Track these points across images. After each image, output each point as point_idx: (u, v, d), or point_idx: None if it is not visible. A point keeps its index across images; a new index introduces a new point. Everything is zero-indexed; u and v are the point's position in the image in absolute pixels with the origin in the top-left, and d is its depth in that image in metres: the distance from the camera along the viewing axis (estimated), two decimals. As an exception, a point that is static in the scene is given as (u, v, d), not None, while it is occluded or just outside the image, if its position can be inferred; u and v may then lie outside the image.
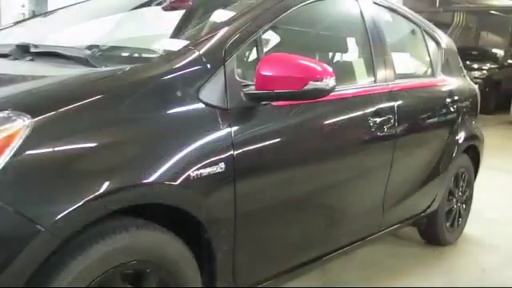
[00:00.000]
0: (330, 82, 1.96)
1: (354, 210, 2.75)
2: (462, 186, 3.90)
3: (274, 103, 2.09)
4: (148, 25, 2.92)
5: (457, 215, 3.89)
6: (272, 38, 2.34)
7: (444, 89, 3.52)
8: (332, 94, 2.38)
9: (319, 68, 1.96)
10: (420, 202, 3.38)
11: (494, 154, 7.80)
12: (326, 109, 2.40)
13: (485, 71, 12.74)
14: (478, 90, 4.07)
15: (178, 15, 2.82)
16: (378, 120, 2.68)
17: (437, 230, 3.71)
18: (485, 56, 13.52)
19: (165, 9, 2.88)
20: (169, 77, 1.79)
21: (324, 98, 2.24)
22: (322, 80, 1.94)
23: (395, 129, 2.82)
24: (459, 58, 4.03)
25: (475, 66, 12.82)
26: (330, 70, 1.99)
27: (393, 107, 2.82)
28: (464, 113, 3.73)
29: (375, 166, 2.78)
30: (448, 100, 3.46)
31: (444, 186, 3.55)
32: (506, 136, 9.81)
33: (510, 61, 13.53)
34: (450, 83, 3.63)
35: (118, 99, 1.64)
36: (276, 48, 2.36)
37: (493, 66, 13.01)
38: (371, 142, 2.68)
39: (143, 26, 2.91)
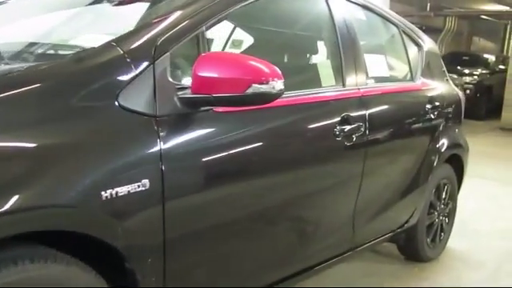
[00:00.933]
0: (276, 85, 1.67)
1: (318, 227, 2.46)
2: (445, 199, 3.61)
3: (219, 109, 1.80)
4: (97, 21, 2.62)
5: (439, 229, 3.60)
6: (221, 35, 2.05)
7: (424, 94, 3.23)
8: (292, 98, 2.13)
9: (265, 69, 1.67)
10: (396, 216, 3.09)
11: (484, 161, 7.55)
12: (282, 115, 2.11)
13: (476, 76, 12.50)
14: (462, 96, 3.79)
15: (129, 10, 2.53)
16: (347, 128, 2.39)
17: (417, 246, 3.42)
18: (476, 61, 13.28)
19: (116, 4, 2.59)
20: (76, 77, 1.49)
21: (281, 104, 1.97)
22: (268, 83, 1.65)
23: (366, 138, 2.53)
24: (442, 61, 3.75)
25: (466, 71, 12.60)
26: (278, 71, 1.69)
27: (364, 114, 2.54)
28: (446, 120, 3.45)
29: (343, 179, 2.49)
30: (428, 106, 3.18)
31: (424, 198, 3.27)
32: (496, 143, 9.55)
33: (501, 66, 13.29)
34: (431, 88, 3.35)
35: (10, 104, 1.35)
36: (225, 47, 2.07)
37: (484, 72, 12.77)
38: (338, 152, 2.39)
39: (92, 22, 2.62)
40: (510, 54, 12.95)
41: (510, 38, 18.11)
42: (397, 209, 3.04)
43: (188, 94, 1.68)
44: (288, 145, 2.13)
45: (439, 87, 3.45)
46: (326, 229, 2.50)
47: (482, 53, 14.61)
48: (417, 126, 3.09)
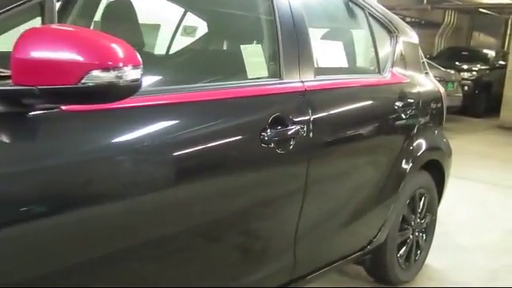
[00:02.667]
0: (129, 73, 1.12)
1: (244, 258, 1.92)
2: (421, 211, 3.06)
3: (72, 107, 1.26)
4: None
5: (414, 248, 3.05)
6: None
7: (393, 89, 2.68)
8: (197, 93, 1.59)
9: (115, 49, 1.13)
10: (357, 236, 2.55)
11: (478, 162, 6.99)
12: (182, 116, 1.57)
13: (474, 72, 11.91)
14: (444, 92, 3.23)
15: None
16: (280, 132, 1.85)
17: (386, 268, 2.87)
18: (475, 56, 12.65)
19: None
20: None
21: (183, 99, 1.44)
22: (118, 69, 1.11)
23: (310, 143, 1.99)
24: (420, 51, 3.19)
25: (464, 66, 11.99)
26: (136, 54, 1.15)
27: (307, 114, 1.99)
28: (423, 119, 2.90)
29: (275, 196, 1.95)
30: (398, 103, 2.63)
31: (393, 212, 2.72)
32: (493, 142, 8.97)
33: (501, 62, 12.67)
34: (404, 82, 2.79)
35: None
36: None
37: (483, 67, 12.16)
38: (267, 162, 1.85)
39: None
40: (510, 50, 12.32)
41: (511, 33, 17.46)
42: (357, 227, 2.50)
43: (8, 85, 1.15)
44: (191, 157, 1.58)
45: (415, 82, 2.90)
46: (256, 259, 1.96)
47: (482, 48, 13.96)
48: (382, 127, 2.55)
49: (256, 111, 1.82)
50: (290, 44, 2.02)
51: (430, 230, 3.19)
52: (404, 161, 2.71)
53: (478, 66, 12.13)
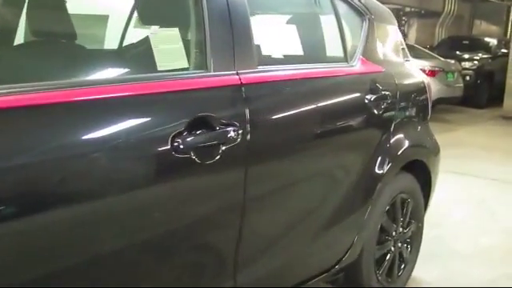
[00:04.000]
0: None
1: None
2: (404, 219, 2.65)
3: None
4: None
5: (396, 261, 2.64)
6: None
7: (363, 80, 2.27)
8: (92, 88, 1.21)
9: None
10: (321, 255, 2.14)
11: (480, 155, 6.54)
12: (73, 117, 1.19)
13: (476, 61, 11.42)
14: (428, 83, 2.81)
15: None
16: (204, 136, 1.46)
17: (362, 286, 2.47)
18: (476, 45, 12.13)
19: None
20: None
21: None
22: None
23: (246, 149, 1.59)
24: (400, 37, 2.77)
25: (466, 56, 11.52)
26: None
27: (243, 112, 1.59)
28: (402, 114, 2.49)
29: (201, 216, 1.54)
30: (369, 96, 2.21)
31: (368, 223, 2.32)
32: (496, 133, 8.50)
33: (503, 50, 12.15)
34: (378, 72, 2.38)
35: None
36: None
37: (485, 56, 11.65)
38: (183, 176, 1.45)
39: None
40: (513, 37, 11.87)
41: (513, 21, 16.90)
42: (321, 244, 2.10)
43: None
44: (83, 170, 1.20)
45: (392, 71, 2.48)
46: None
47: (483, 36, 13.42)
48: (349, 124, 2.14)
49: (166, 112, 1.41)
50: (220, 29, 1.61)
51: (415, 239, 2.78)
52: (379, 162, 2.30)
53: (480, 54, 11.65)
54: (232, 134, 1.53)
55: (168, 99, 1.43)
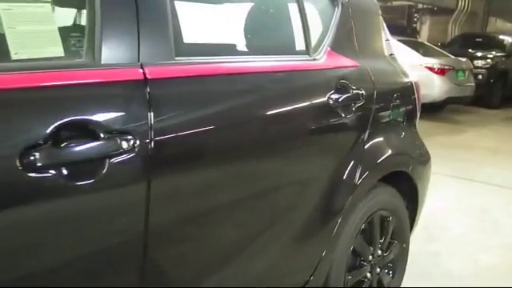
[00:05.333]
0: None
1: None
2: (384, 240, 2.24)
3: None
4: None
5: (374, 288, 2.23)
6: None
7: (328, 76, 1.85)
8: None
9: None
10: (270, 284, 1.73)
11: (488, 159, 6.05)
12: None
13: (489, 60, 10.88)
14: (416, 82, 2.39)
15: None
16: (77, 150, 1.07)
17: (330, 321, 2.06)
18: (490, 43, 11.56)
19: None
20: None
21: None
22: None
23: (149, 160, 1.20)
24: (384, 27, 2.34)
25: (478, 54, 10.98)
26: None
27: (143, 115, 1.20)
28: (381, 118, 2.08)
29: (81, 255, 1.16)
30: (335, 96, 1.80)
31: (334, 246, 1.92)
32: (506, 135, 7.97)
33: (518, 48, 11.58)
34: (349, 67, 1.96)
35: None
36: None
37: (499, 54, 11.08)
38: (47, 201, 1.07)
39: None
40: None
41: (530, 18, 16.21)
42: (268, 275, 1.69)
43: None
44: None
45: (369, 67, 2.06)
46: None
47: (498, 34, 12.83)
48: (303, 128, 1.72)
49: (17, 116, 1.02)
50: (118, 7, 1.22)
51: (399, 263, 2.36)
52: (348, 173, 1.90)
53: (494, 53, 11.09)
54: (124, 144, 1.14)
55: (22, 98, 1.03)
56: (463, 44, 11.65)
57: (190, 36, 1.42)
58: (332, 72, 1.86)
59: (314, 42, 1.88)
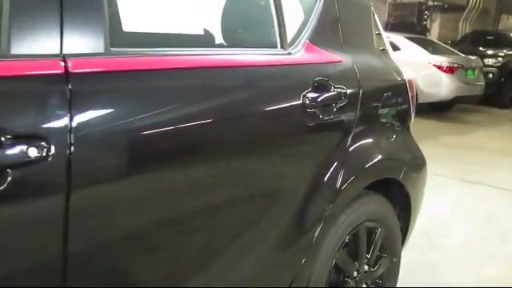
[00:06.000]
0: None
1: None
2: (372, 254, 2.02)
3: None
4: None
5: (360, 307, 2.01)
6: None
7: (305, 73, 1.63)
8: None
9: None
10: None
11: (495, 161, 5.79)
12: None
13: (500, 58, 10.59)
14: (410, 80, 2.16)
15: None
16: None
17: None
18: (501, 41, 11.25)
19: None
20: None
21: None
22: None
23: (67, 168, 0.99)
24: (375, 19, 2.12)
25: (489, 52, 10.70)
26: None
27: (62, 115, 0.99)
28: (367, 120, 1.86)
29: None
30: (311, 95, 1.58)
31: (312, 260, 1.71)
32: (516, 135, 7.71)
33: (531, 46, 11.25)
34: (331, 63, 1.75)
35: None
36: None
37: (510, 53, 10.79)
38: None
39: None
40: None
41: (543, 16, 15.81)
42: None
43: None
44: None
45: (354, 63, 1.84)
46: None
47: (510, 32, 12.48)
48: (275, 131, 1.51)
49: None
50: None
51: (389, 278, 2.14)
52: (327, 181, 1.68)
53: (505, 51, 10.81)
54: (32, 151, 0.94)
55: None
56: (474, 42, 11.37)
57: (132, 24, 1.21)
58: (309, 68, 1.64)
59: (291, 33, 1.66)
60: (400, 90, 2.06)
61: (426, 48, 8.72)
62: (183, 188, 1.23)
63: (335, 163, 1.71)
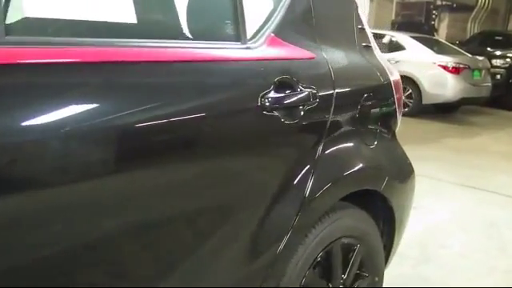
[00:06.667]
0: None
1: None
2: (349, 273, 1.79)
3: None
4: None
5: (335, 334, 1.78)
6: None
7: (263, 70, 1.41)
8: None
9: None
10: None
11: (500, 166, 5.54)
12: None
13: (509, 59, 10.32)
14: (395, 80, 1.93)
15: None
16: None
17: None
18: (510, 41, 10.93)
19: None
20: None
21: None
22: None
23: None
24: (358, 10, 1.89)
25: (497, 52, 10.43)
26: None
27: None
28: (342, 124, 1.64)
29: None
30: (272, 96, 1.36)
31: (278, 280, 1.49)
32: (524, 139, 7.44)
33: (540, 47, 10.93)
34: (301, 60, 1.53)
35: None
36: None
37: (519, 54, 10.51)
38: None
39: None
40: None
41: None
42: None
43: None
44: None
45: (330, 60, 1.62)
46: None
47: (519, 32, 12.19)
48: (225, 136, 1.29)
49: None
50: None
51: (370, 299, 1.91)
52: (292, 194, 1.47)
53: (514, 51, 10.52)
54: None
55: None
56: (482, 42, 11.09)
57: (41, 9, 1.00)
58: (271, 65, 1.42)
59: (253, 26, 1.45)
60: (384, 91, 1.84)
61: (431, 48, 8.46)
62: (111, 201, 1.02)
63: (302, 172, 1.49)
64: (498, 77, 10.05)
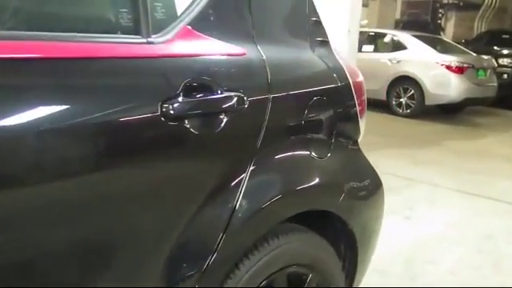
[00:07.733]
0: None
1: None
2: (298, 309, 1.51)
3: None
4: None
5: None
6: None
7: (172, 70, 1.13)
8: None
9: None
10: None
11: (505, 170, 5.20)
12: None
13: (515, 59, 9.97)
14: (358, 81, 1.65)
15: None
16: None
17: None
18: (518, 40, 10.62)
19: None
20: None
21: None
22: None
23: None
24: (312, 1, 1.60)
25: (504, 51, 10.08)
26: None
27: None
28: (283, 135, 1.36)
29: None
30: (182, 102, 1.09)
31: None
32: (530, 141, 7.08)
33: (548, 46, 10.56)
34: (223, 58, 1.25)
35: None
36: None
37: (526, 53, 10.15)
38: None
39: None
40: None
41: None
42: None
43: None
44: None
45: (266, 58, 1.34)
46: None
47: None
48: (120, 150, 1.02)
49: None
50: None
51: None
52: (214, 216, 1.20)
53: (521, 50, 10.17)
54: None
55: None
56: (488, 41, 10.75)
57: None
58: (181, 63, 1.15)
59: (163, 16, 1.17)
60: (340, 94, 1.55)
61: (434, 47, 8.14)
62: None
63: (227, 192, 1.22)
64: (505, 76, 9.71)
